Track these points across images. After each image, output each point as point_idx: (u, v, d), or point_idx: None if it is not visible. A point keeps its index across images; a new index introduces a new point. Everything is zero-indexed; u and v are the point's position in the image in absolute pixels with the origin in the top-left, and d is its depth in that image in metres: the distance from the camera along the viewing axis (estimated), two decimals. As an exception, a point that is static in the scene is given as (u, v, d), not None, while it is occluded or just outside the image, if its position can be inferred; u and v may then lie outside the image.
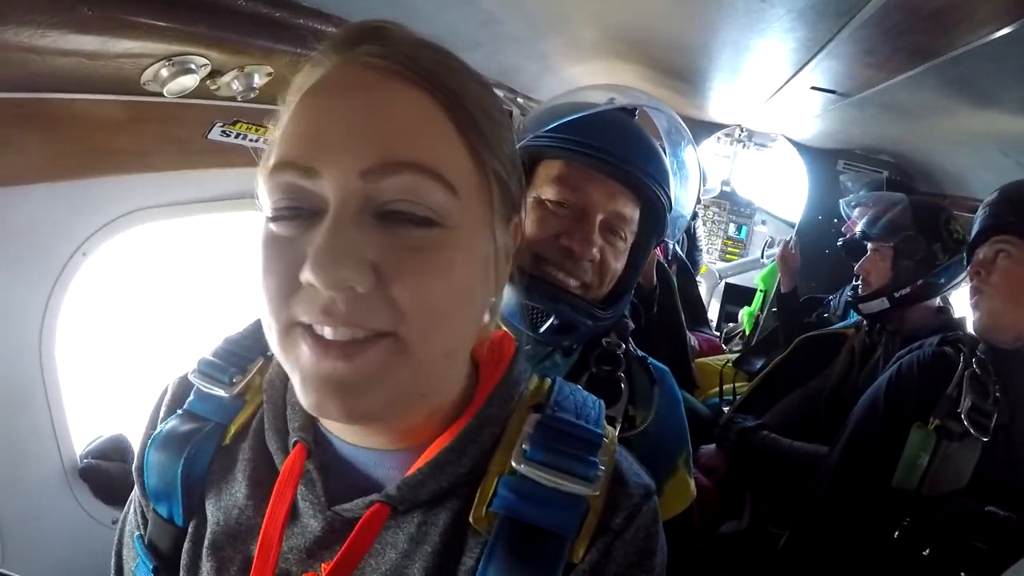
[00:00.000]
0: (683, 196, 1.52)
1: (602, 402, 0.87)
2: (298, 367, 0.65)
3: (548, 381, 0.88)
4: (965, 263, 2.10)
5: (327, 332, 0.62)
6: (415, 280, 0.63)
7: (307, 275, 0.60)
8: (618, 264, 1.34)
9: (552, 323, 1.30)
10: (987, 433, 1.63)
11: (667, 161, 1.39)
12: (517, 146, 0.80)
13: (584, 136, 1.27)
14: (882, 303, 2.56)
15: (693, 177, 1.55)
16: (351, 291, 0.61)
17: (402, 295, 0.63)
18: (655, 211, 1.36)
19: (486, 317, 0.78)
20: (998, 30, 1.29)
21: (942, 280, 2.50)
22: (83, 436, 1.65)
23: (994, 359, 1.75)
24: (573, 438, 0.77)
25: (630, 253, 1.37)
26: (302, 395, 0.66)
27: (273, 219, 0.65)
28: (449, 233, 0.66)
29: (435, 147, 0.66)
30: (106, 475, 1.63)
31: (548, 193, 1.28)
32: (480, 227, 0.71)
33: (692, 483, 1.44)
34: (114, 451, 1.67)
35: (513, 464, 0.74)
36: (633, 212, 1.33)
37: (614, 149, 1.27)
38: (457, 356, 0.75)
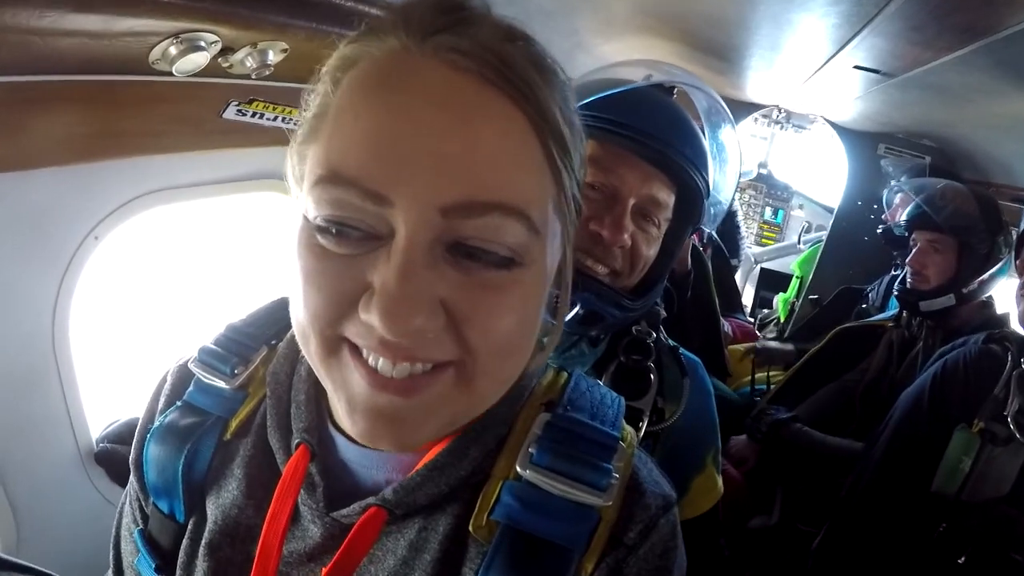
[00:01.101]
0: (722, 181, 1.46)
1: (622, 400, 0.81)
2: (345, 391, 0.61)
3: (564, 376, 0.82)
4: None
5: (382, 365, 0.58)
6: (487, 321, 0.59)
7: (372, 318, 0.56)
8: (650, 251, 1.28)
9: (577, 312, 1.24)
10: None
11: (706, 143, 1.32)
12: None
13: (618, 115, 1.20)
14: (949, 299, 2.44)
15: (733, 161, 1.48)
16: (419, 335, 0.57)
17: (471, 334, 0.59)
18: (692, 196, 1.29)
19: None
20: None
21: (1000, 276, 2.41)
22: (100, 420, 1.64)
23: None
24: (585, 441, 0.71)
25: (664, 240, 1.31)
26: (350, 422, 0.62)
27: (321, 231, 0.58)
28: (525, 271, 0.61)
29: (524, 181, 0.60)
30: (122, 459, 1.60)
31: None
32: (552, 252, 0.66)
33: (720, 480, 1.39)
34: (130, 434, 1.62)
35: (518, 468, 0.69)
36: (668, 197, 1.26)
37: (650, 129, 1.20)
38: (512, 381, 0.70)
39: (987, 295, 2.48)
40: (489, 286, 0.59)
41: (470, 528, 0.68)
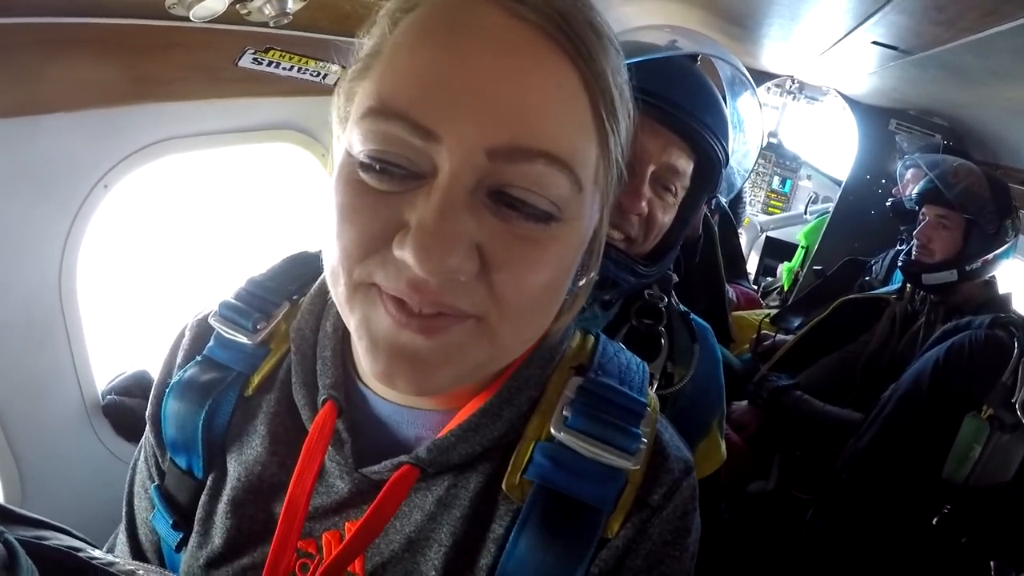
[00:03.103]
0: (743, 151, 1.44)
1: (646, 366, 0.82)
2: (367, 330, 0.61)
3: (591, 339, 0.83)
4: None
5: (410, 302, 0.58)
6: (520, 273, 0.59)
7: (406, 254, 0.55)
8: (666, 218, 1.27)
9: (592, 276, 1.24)
10: None
11: (727, 112, 1.30)
12: None
13: (641, 81, 1.17)
14: (951, 275, 2.47)
15: (754, 133, 1.46)
16: (451, 276, 0.56)
17: (503, 285, 0.58)
18: (710, 165, 1.27)
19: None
20: None
21: (1010, 256, 2.44)
22: (106, 372, 1.63)
23: None
24: (616, 406, 0.73)
25: (680, 207, 1.30)
26: (369, 361, 0.61)
27: (364, 167, 0.58)
28: (564, 226, 0.61)
29: (572, 135, 0.59)
30: (129, 411, 1.62)
31: None
32: (591, 215, 0.66)
33: (723, 445, 1.41)
34: (137, 387, 1.66)
35: (552, 431, 0.70)
36: (687, 165, 1.25)
37: (673, 97, 1.18)
38: (535, 340, 0.71)
39: (990, 275, 2.50)
40: (527, 238, 0.59)
41: (503, 486, 0.69)
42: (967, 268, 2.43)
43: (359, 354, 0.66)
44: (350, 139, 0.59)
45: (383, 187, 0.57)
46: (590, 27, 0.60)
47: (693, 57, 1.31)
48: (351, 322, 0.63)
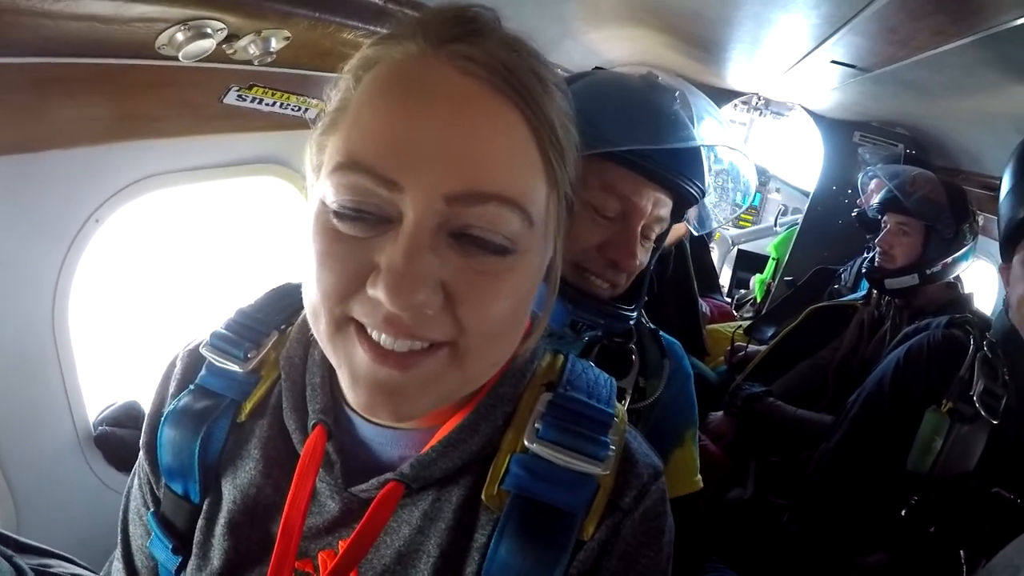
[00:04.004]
0: (722, 205, 1.54)
1: (614, 381, 0.87)
2: (349, 366, 0.66)
3: (561, 358, 0.88)
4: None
5: (384, 340, 0.63)
6: (481, 304, 0.64)
7: (379, 293, 0.60)
8: (645, 259, 1.33)
9: (596, 333, 1.32)
10: (996, 416, 1.64)
11: (702, 151, 1.35)
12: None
13: (637, 139, 1.22)
14: (912, 279, 2.57)
15: (735, 183, 1.55)
16: (419, 310, 0.61)
17: (467, 315, 0.64)
18: (686, 203, 1.35)
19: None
20: (1020, 17, 1.28)
21: (968, 260, 2.54)
22: (97, 403, 1.65)
23: (1003, 341, 1.75)
24: (584, 418, 0.77)
25: None
26: (352, 394, 0.67)
27: (337, 215, 0.63)
28: (519, 258, 0.66)
29: (521, 176, 0.65)
30: (120, 442, 1.63)
31: (596, 199, 1.24)
32: (544, 246, 0.72)
33: (697, 464, 1.45)
34: (128, 418, 1.68)
35: (525, 443, 0.75)
36: (668, 211, 1.31)
37: (664, 158, 1.23)
38: (502, 363, 0.76)
39: (951, 277, 2.61)
40: (486, 272, 0.64)
41: (482, 497, 0.74)
42: (927, 272, 2.54)
43: (341, 382, 0.70)
44: (323, 190, 0.64)
45: (355, 233, 0.63)
46: (534, 76, 0.67)
47: (671, 91, 1.35)
48: (333, 358, 0.68)
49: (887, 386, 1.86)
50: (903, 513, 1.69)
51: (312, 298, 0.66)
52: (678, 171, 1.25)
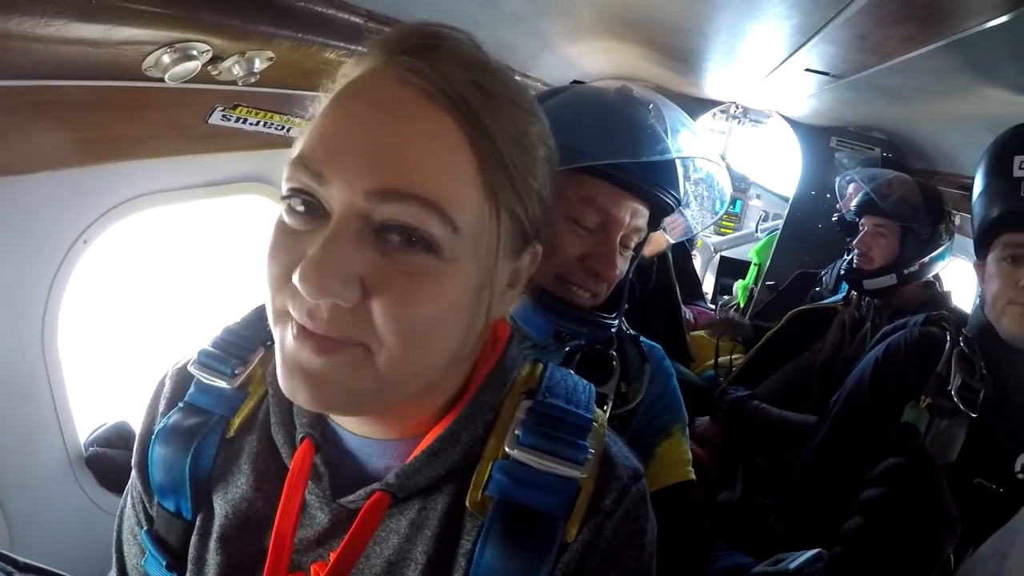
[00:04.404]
0: (700, 214, 1.58)
1: (592, 386, 0.89)
2: (282, 350, 0.68)
3: (540, 367, 0.89)
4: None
5: (308, 325, 0.64)
6: (395, 302, 0.64)
7: (295, 280, 0.62)
8: (625, 267, 1.36)
9: (579, 342, 1.34)
10: (975, 409, 1.65)
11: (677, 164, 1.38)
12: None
13: (614, 152, 1.25)
14: (890, 279, 2.62)
15: (711, 193, 1.59)
16: (334, 303, 0.63)
17: (379, 313, 0.64)
18: (663, 212, 1.37)
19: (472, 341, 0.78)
20: (989, 20, 1.31)
21: (945, 259, 2.59)
22: (87, 424, 1.66)
23: (980, 337, 1.77)
24: (563, 423, 0.80)
25: None
26: (280, 378, 0.68)
27: (288, 210, 0.66)
28: (443, 264, 0.66)
29: (446, 181, 0.65)
30: (111, 462, 1.64)
31: (576, 212, 1.26)
32: (481, 261, 0.71)
33: (688, 452, 1.46)
34: (118, 438, 1.69)
35: (506, 449, 0.77)
36: (646, 220, 1.34)
37: (640, 170, 1.26)
38: (429, 375, 0.74)
39: (929, 276, 2.66)
40: (405, 272, 0.64)
41: (467, 504, 0.76)
42: (905, 272, 2.59)
43: None
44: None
45: (298, 226, 0.66)
46: (478, 90, 0.67)
47: (646, 104, 1.39)
48: (276, 347, 0.69)
49: (866, 384, 1.89)
50: None
51: (263, 289, 0.68)
52: (654, 182, 1.28)
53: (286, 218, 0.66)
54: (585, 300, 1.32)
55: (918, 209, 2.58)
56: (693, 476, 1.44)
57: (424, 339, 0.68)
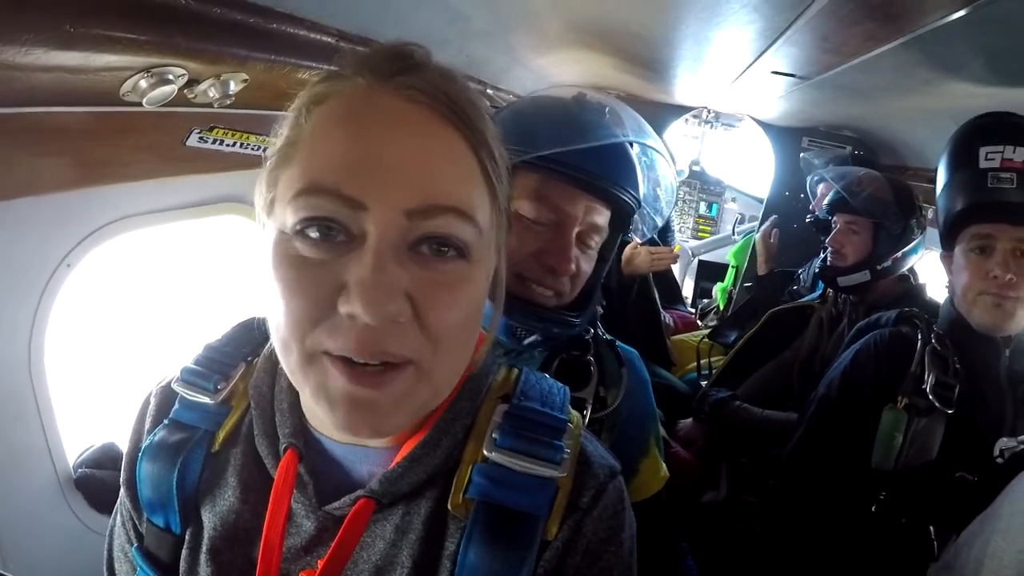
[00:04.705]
0: (658, 198, 1.59)
1: (567, 388, 0.92)
2: (325, 391, 0.68)
3: (515, 371, 0.92)
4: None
5: (357, 359, 0.66)
6: (443, 311, 0.68)
7: (354, 307, 0.63)
8: (588, 267, 1.38)
9: (536, 338, 1.36)
10: (951, 405, 1.69)
11: (636, 161, 1.41)
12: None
13: (562, 153, 1.28)
14: (864, 275, 2.67)
15: (665, 181, 1.61)
16: (392, 322, 0.65)
17: (433, 323, 0.68)
18: (624, 212, 1.39)
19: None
20: (945, 16, 1.35)
21: (917, 253, 2.64)
22: (75, 446, 1.66)
23: (950, 330, 1.81)
24: (539, 425, 0.82)
25: (599, 249, 1.41)
26: (332, 418, 0.69)
27: (300, 237, 0.66)
28: (472, 266, 0.72)
29: (469, 191, 0.71)
30: (100, 483, 1.64)
31: (526, 209, 1.30)
32: (490, 255, 0.77)
33: (663, 464, 1.51)
34: (106, 459, 1.69)
35: (485, 452, 0.79)
36: (605, 219, 1.37)
37: (593, 168, 1.29)
38: (460, 374, 0.80)
39: (903, 270, 2.70)
40: (444, 281, 0.69)
41: (449, 507, 0.78)
42: (878, 267, 2.64)
43: (317, 412, 0.75)
44: (283, 218, 0.68)
45: (319, 255, 0.66)
46: (470, 103, 0.73)
47: (601, 109, 1.42)
48: (306, 389, 0.70)
49: (835, 391, 1.92)
50: (873, 509, 1.74)
51: (281, 330, 0.68)
52: (607, 177, 1.31)
53: (300, 246, 0.66)
54: (548, 299, 1.34)
55: (888, 205, 2.64)
56: (667, 476, 1.50)
57: (465, 341, 0.75)
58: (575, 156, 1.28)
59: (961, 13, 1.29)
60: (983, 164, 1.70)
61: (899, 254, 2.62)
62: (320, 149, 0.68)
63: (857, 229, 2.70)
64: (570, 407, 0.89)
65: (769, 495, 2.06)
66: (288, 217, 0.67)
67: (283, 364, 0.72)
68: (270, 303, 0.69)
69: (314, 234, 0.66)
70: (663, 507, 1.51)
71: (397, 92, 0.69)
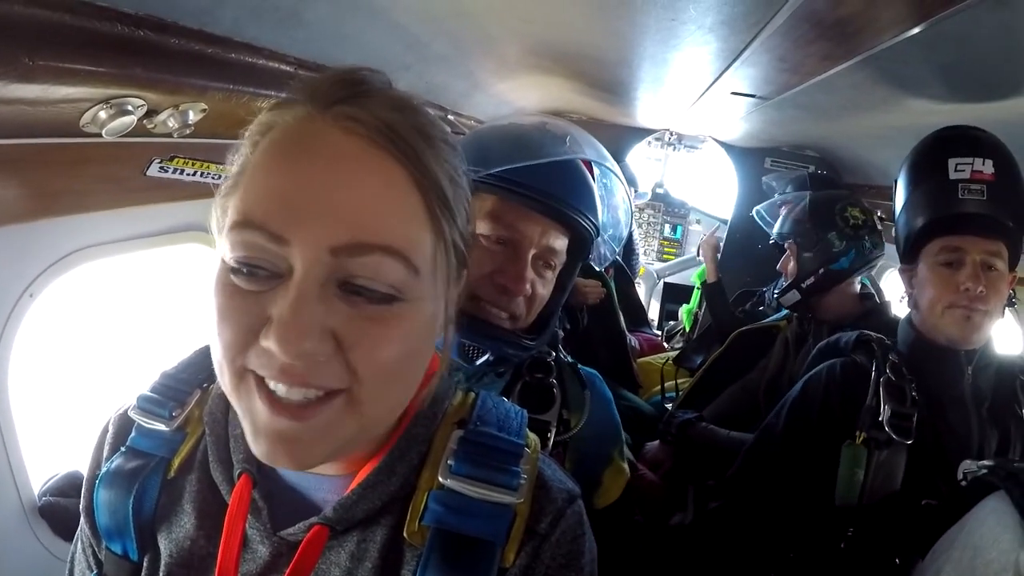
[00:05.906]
0: (614, 222, 1.62)
1: (525, 412, 0.92)
2: (251, 417, 0.69)
3: (472, 396, 0.92)
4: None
5: (280, 390, 0.66)
6: (371, 349, 0.67)
7: (270, 344, 0.63)
8: (546, 291, 1.39)
9: (488, 358, 1.35)
10: (910, 436, 1.68)
11: (595, 187, 1.43)
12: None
13: (518, 175, 1.30)
14: (794, 295, 2.76)
15: (622, 206, 1.64)
16: (310, 358, 0.65)
17: (357, 361, 0.67)
18: (583, 238, 1.41)
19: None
20: (899, 35, 1.37)
21: (846, 266, 2.66)
22: (40, 474, 1.65)
23: (908, 356, 1.80)
24: (495, 450, 0.82)
25: (557, 276, 1.42)
26: (254, 444, 0.70)
27: (234, 271, 0.67)
28: (406, 305, 0.69)
29: (404, 228, 0.69)
30: (65, 511, 1.63)
31: (482, 229, 1.30)
32: (434, 293, 0.75)
33: (626, 466, 1.53)
34: (71, 487, 1.68)
35: (440, 479, 0.79)
36: (563, 243, 1.38)
37: (548, 188, 1.31)
38: (402, 407, 0.80)
39: (857, 287, 2.77)
40: (374, 318, 0.67)
41: (404, 535, 0.78)
42: (803, 285, 2.73)
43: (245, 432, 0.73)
44: (223, 248, 0.68)
45: (250, 287, 0.66)
46: (418, 133, 0.71)
47: (563, 137, 1.43)
48: (238, 409, 0.71)
49: (782, 420, 1.92)
50: (842, 546, 1.71)
51: (216, 352, 0.69)
52: (563, 200, 1.32)
53: (234, 279, 0.66)
54: (503, 321, 1.35)
55: (802, 223, 2.77)
56: (628, 475, 1.53)
57: (401, 376, 0.73)
58: (532, 177, 1.30)
59: (916, 31, 1.31)
60: (953, 175, 1.70)
61: (823, 270, 2.69)
62: (258, 181, 0.68)
63: (789, 251, 2.86)
64: (528, 431, 0.89)
65: (707, 518, 2.07)
66: (226, 249, 0.67)
67: (220, 385, 0.72)
68: (209, 327, 0.69)
69: (246, 269, 0.66)
70: (627, 504, 1.54)
71: (335, 122, 0.68)
